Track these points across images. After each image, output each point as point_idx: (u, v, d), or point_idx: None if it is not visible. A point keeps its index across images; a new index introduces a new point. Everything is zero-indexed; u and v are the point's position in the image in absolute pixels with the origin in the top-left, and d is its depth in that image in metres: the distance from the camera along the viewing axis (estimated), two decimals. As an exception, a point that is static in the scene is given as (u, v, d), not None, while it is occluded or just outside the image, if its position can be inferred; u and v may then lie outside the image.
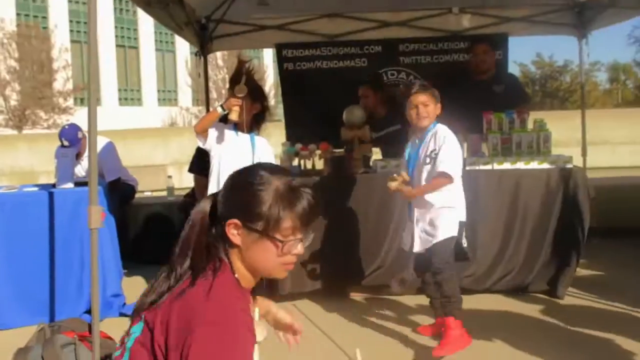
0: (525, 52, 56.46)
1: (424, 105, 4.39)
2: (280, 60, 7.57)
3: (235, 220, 1.79)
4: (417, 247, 4.40)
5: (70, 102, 32.12)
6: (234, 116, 4.44)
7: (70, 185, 5.42)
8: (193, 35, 7.03)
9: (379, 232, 5.40)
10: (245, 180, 1.83)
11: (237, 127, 4.64)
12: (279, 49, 7.54)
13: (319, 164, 5.85)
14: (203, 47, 7.30)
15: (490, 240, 5.39)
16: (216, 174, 4.64)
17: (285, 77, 7.61)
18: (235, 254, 1.83)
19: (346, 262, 5.39)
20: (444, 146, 4.30)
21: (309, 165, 5.89)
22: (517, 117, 5.85)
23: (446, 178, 4.26)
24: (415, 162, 4.46)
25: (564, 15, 7.15)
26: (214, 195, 1.90)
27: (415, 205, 4.42)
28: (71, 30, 37.13)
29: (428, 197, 4.33)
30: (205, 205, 1.87)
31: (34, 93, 29.19)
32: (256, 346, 1.81)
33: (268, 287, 5.22)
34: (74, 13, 38.06)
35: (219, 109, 4.47)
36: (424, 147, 4.40)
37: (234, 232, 1.80)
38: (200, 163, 5.79)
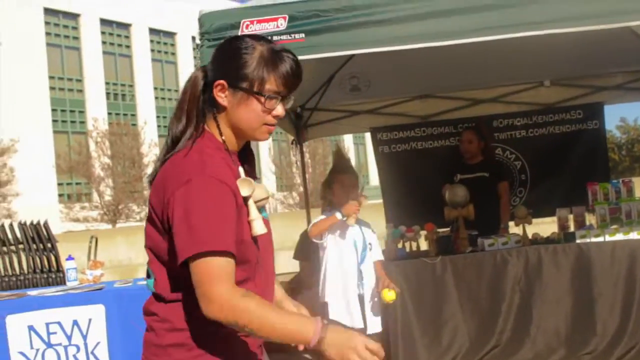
0: (608, 119, 55.20)
1: None
2: (376, 143, 7.70)
3: (222, 81, 1.95)
4: None
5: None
6: (351, 222, 4.56)
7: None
8: (289, 124, 7.25)
9: (492, 311, 5.30)
10: (232, 46, 1.99)
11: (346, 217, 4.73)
12: (374, 132, 7.69)
13: (424, 245, 5.85)
14: (298, 135, 7.50)
15: (608, 314, 5.22)
16: (334, 264, 4.72)
17: (382, 159, 7.72)
18: (223, 118, 1.99)
19: (460, 341, 5.30)
20: None
21: (414, 247, 5.89)
22: (623, 185, 5.75)
23: None
24: None
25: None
26: (204, 65, 2.06)
27: None
28: (159, 126, 38.73)
29: None
30: (197, 74, 2.03)
31: (127, 187, 30.32)
32: (251, 201, 1.95)
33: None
34: (161, 109, 39.75)
35: (338, 215, 4.56)
36: None
37: (220, 94, 1.96)
38: (305, 249, 5.89)
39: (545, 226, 6.63)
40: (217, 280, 1.81)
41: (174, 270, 1.95)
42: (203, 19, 4.04)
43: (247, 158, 2.12)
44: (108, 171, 30.40)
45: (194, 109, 2.00)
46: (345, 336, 1.83)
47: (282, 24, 3.91)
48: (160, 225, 1.94)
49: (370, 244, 4.73)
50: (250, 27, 3.93)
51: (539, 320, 5.21)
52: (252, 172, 2.10)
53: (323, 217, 4.69)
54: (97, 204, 30.19)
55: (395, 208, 7.44)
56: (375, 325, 4.77)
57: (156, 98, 39.48)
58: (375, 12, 3.98)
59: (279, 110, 1.98)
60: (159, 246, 1.98)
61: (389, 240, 5.87)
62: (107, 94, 35.67)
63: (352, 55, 6.39)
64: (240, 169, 2.02)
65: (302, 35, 3.89)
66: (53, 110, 32.64)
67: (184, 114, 2.01)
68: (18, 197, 27.97)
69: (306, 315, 1.89)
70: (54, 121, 32.70)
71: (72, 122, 34.20)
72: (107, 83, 35.55)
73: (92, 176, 29.96)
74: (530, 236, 5.69)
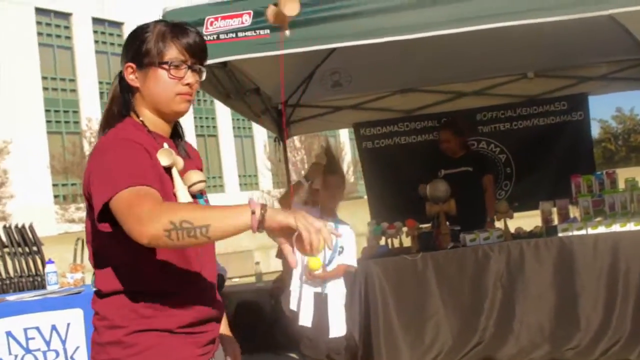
0: (604, 109, 55.34)
1: None
2: (359, 139, 7.63)
3: (130, 64, 1.97)
4: None
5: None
6: (317, 185, 4.55)
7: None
8: (271, 122, 7.18)
9: (474, 308, 5.23)
10: (135, 31, 2.01)
11: (321, 213, 4.67)
12: (357, 128, 7.62)
13: (407, 241, 5.77)
14: (281, 132, 7.43)
15: (591, 309, 5.15)
16: (300, 260, 4.66)
17: (365, 155, 7.65)
18: (139, 99, 1.99)
19: (443, 339, 5.23)
20: None
21: (396, 244, 5.83)
22: (607, 177, 5.69)
23: None
24: None
25: (643, 68, 6.97)
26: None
27: None
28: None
29: None
30: (116, 81, 2.05)
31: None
32: (175, 172, 1.93)
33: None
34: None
35: (303, 181, 4.55)
36: None
37: (131, 76, 1.97)
38: (287, 248, 5.82)
39: (531, 219, 6.56)
40: (138, 204, 1.68)
41: (105, 258, 1.91)
42: (167, 16, 3.97)
43: (189, 151, 2.12)
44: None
45: (115, 107, 2.02)
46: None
47: (247, 19, 3.85)
48: (88, 207, 1.91)
49: (342, 247, 4.65)
50: (215, 24, 3.87)
51: (522, 315, 5.15)
52: (195, 163, 2.09)
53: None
54: (90, 204, 30.06)
55: (380, 204, 7.38)
56: (339, 328, 4.70)
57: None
58: (343, 6, 3.93)
59: (189, 78, 1.97)
60: (91, 234, 1.93)
61: (371, 237, 5.81)
62: (101, 93, 35.49)
63: (332, 51, 6.34)
64: (165, 144, 1.98)
65: (267, 31, 3.83)
66: (47, 110, 32.52)
67: (108, 117, 2.02)
68: (12, 199, 27.89)
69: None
70: (48, 122, 32.60)
71: (66, 122, 34.10)
72: (100, 82, 35.41)
73: (87, 176, 29.81)
74: (513, 230, 5.64)
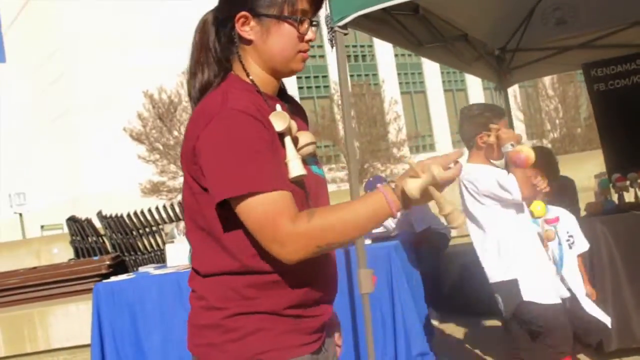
0: None
1: None
2: (590, 81, 6.78)
3: (244, 13, 1.71)
4: None
5: (404, 150, 33.36)
6: None
7: (367, 241, 5.31)
8: (487, 69, 6.61)
9: None
10: None
11: None
12: (586, 69, 6.76)
13: (645, 196, 5.00)
14: (501, 80, 6.83)
15: None
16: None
17: (598, 99, 6.77)
18: (250, 54, 1.75)
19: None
20: None
21: (629, 198, 5.07)
22: None
23: None
24: None
25: None
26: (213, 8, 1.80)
27: None
28: (400, 83, 38.97)
29: None
30: (206, 17, 1.79)
31: (370, 147, 30.80)
32: (288, 139, 1.69)
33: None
34: (402, 66, 39.98)
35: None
36: None
37: (245, 28, 1.72)
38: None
39: None
40: (272, 223, 1.56)
41: (208, 237, 1.70)
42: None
43: (294, 108, 1.87)
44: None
45: (210, 56, 1.76)
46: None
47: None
48: (191, 180, 1.70)
49: (570, 236, 3.95)
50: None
51: None
52: (301, 121, 1.85)
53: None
54: (343, 165, 31.06)
55: (615, 153, 6.50)
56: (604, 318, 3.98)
57: (396, 55, 39.75)
58: None
59: (311, 34, 1.76)
60: (191, 208, 1.73)
61: (598, 191, 5.11)
62: (348, 56, 36.50)
63: (552, -17, 5.64)
64: (278, 106, 1.73)
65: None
66: (297, 77, 34.13)
67: (200, 67, 1.77)
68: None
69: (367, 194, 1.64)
70: (300, 88, 34.18)
71: (317, 87, 35.48)
72: (346, 45, 36.26)
73: (337, 138, 30.71)
74: None
